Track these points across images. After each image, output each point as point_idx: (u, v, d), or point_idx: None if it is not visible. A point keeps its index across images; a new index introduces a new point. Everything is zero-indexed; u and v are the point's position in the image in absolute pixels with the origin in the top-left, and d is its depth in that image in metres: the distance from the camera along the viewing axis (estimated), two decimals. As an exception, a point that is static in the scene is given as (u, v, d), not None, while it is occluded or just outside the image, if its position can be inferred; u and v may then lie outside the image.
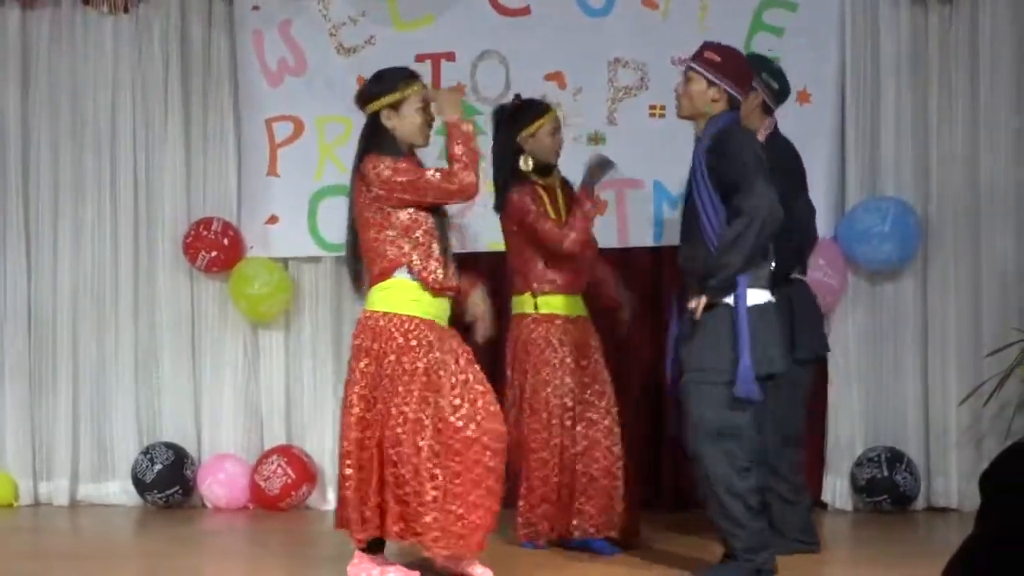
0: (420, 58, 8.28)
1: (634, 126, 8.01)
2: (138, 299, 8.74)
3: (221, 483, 8.49)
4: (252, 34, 8.53)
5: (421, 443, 5.79)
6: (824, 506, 8.05)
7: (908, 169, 8.06)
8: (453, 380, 5.86)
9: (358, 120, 7.76)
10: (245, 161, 8.61)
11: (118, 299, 8.73)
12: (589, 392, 6.81)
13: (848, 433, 8.06)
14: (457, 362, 5.91)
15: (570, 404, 6.76)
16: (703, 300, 5.84)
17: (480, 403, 5.87)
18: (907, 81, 8.06)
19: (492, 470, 5.86)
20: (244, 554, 7.30)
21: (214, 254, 8.47)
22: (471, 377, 5.90)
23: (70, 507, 8.71)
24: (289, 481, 8.29)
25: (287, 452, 8.41)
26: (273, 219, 8.50)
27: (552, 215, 6.83)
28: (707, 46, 6.11)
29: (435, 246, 6.01)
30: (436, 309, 5.99)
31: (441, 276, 5.98)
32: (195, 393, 8.73)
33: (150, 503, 8.54)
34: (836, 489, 8.07)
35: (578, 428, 6.76)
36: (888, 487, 7.83)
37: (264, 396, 8.65)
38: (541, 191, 6.87)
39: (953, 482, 7.97)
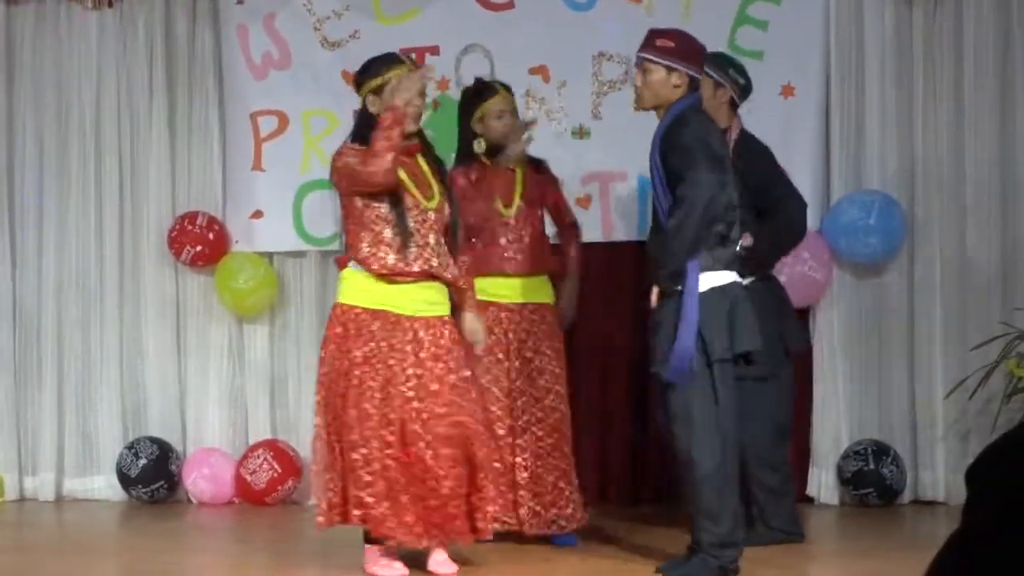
0: (404, 52, 8.26)
1: (619, 120, 8.00)
2: (123, 293, 8.72)
3: (206, 477, 8.48)
4: (237, 28, 8.51)
5: (368, 433, 5.84)
6: (810, 500, 8.06)
7: (893, 163, 8.07)
8: (408, 372, 5.88)
9: (343, 114, 7.78)
10: (230, 155, 8.59)
11: (103, 293, 8.71)
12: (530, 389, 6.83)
13: (834, 426, 8.07)
14: (417, 355, 5.91)
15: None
16: (655, 290, 5.87)
17: (428, 402, 5.87)
18: (892, 75, 8.07)
19: (429, 469, 5.87)
20: (230, 549, 7.30)
21: (199, 248, 8.46)
22: (426, 373, 5.89)
23: (55, 502, 8.69)
24: (275, 475, 8.28)
25: (273, 446, 8.40)
26: (258, 213, 8.49)
27: (499, 199, 6.79)
28: (656, 33, 6.08)
29: (387, 232, 5.99)
30: (393, 298, 5.97)
31: (391, 261, 5.95)
32: (180, 387, 8.71)
33: (135, 498, 8.53)
34: (822, 482, 8.07)
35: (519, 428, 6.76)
36: (875, 480, 7.84)
37: (249, 390, 8.65)
38: (490, 174, 6.81)
39: (940, 475, 7.98)
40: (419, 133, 6.23)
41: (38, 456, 8.77)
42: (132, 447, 8.50)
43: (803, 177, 7.90)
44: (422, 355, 5.92)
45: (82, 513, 8.41)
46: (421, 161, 6.17)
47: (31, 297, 8.78)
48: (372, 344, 5.93)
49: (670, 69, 5.97)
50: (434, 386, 5.90)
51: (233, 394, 8.66)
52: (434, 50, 8.24)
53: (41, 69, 8.78)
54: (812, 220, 7.87)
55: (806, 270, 7.82)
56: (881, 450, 7.87)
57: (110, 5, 8.71)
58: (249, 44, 8.49)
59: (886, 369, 8.10)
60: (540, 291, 6.93)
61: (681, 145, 5.89)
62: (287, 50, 8.43)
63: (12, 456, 8.78)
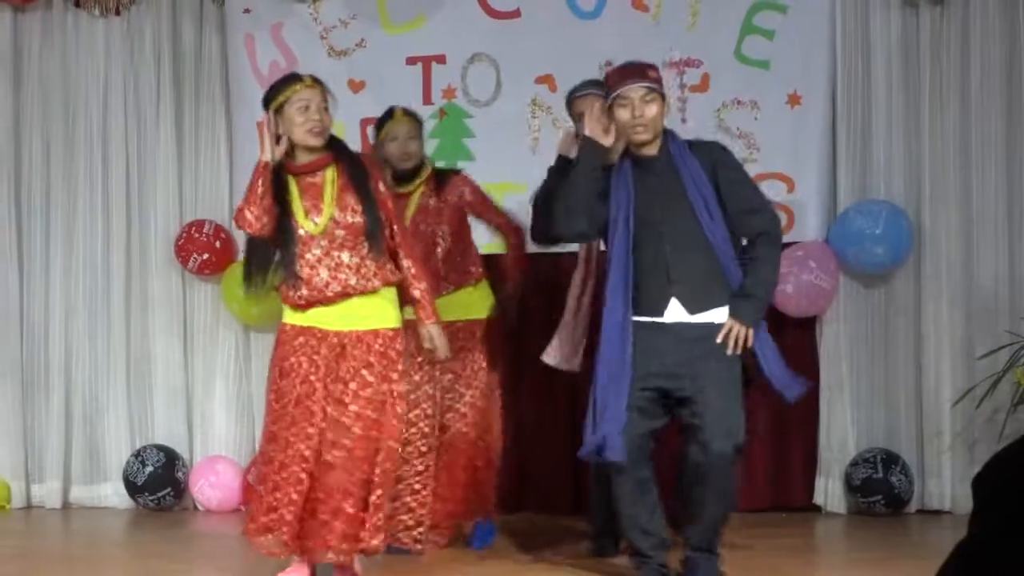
0: (411, 60, 8.29)
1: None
2: (130, 301, 8.73)
3: (213, 485, 8.48)
4: (243, 37, 8.53)
5: (277, 447, 5.90)
6: (816, 508, 8.06)
7: (900, 171, 8.07)
8: (328, 387, 5.87)
9: (350, 123, 7.79)
10: (237, 164, 8.60)
11: (110, 301, 8.73)
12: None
13: (840, 436, 8.06)
14: (337, 369, 5.89)
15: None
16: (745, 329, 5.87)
17: (341, 415, 5.86)
18: (898, 83, 8.07)
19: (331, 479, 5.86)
20: (237, 557, 7.28)
21: (206, 256, 8.47)
22: (342, 387, 5.86)
23: (62, 510, 8.70)
24: (281, 483, 8.28)
25: (279, 455, 8.40)
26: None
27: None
28: (645, 66, 6.04)
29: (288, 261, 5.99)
30: (322, 316, 5.93)
31: (305, 293, 5.92)
32: (187, 395, 8.73)
33: (141, 506, 8.53)
34: (829, 491, 8.06)
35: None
36: (883, 488, 7.84)
37: (256, 398, 8.64)
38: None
39: (946, 484, 7.98)
40: (333, 144, 6.08)
41: (45, 464, 8.78)
42: (139, 455, 8.51)
43: (810, 186, 7.91)
44: (342, 370, 5.90)
45: (89, 521, 8.42)
46: (329, 175, 6.01)
47: (38, 305, 8.80)
48: (292, 358, 5.92)
49: (663, 99, 5.99)
50: (348, 400, 5.88)
51: (240, 402, 8.67)
52: (440, 59, 8.25)
53: (48, 77, 8.80)
54: (819, 229, 7.89)
55: (813, 279, 7.81)
56: (890, 459, 7.87)
57: (117, 13, 8.73)
58: (256, 53, 8.50)
59: (893, 378, 8.10)
60: (461, 308, 6.96)
61: (740, 174, 5.99)
62: (294, 59, 8.43)
63: (19, 464, 8.79)
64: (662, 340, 5.86)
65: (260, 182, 5.88)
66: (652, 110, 5.90)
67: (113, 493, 8.70)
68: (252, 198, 5.88)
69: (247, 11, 8.52)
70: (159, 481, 8.45)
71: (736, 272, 5.88)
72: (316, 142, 5.95)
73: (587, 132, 6.03)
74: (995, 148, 8.00)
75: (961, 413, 7.90)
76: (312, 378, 5.88)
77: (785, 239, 7.34)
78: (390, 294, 6.02)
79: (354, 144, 8.25)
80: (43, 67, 8.82)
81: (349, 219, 5.93)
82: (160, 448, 8.54)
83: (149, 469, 8.45)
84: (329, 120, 6.01)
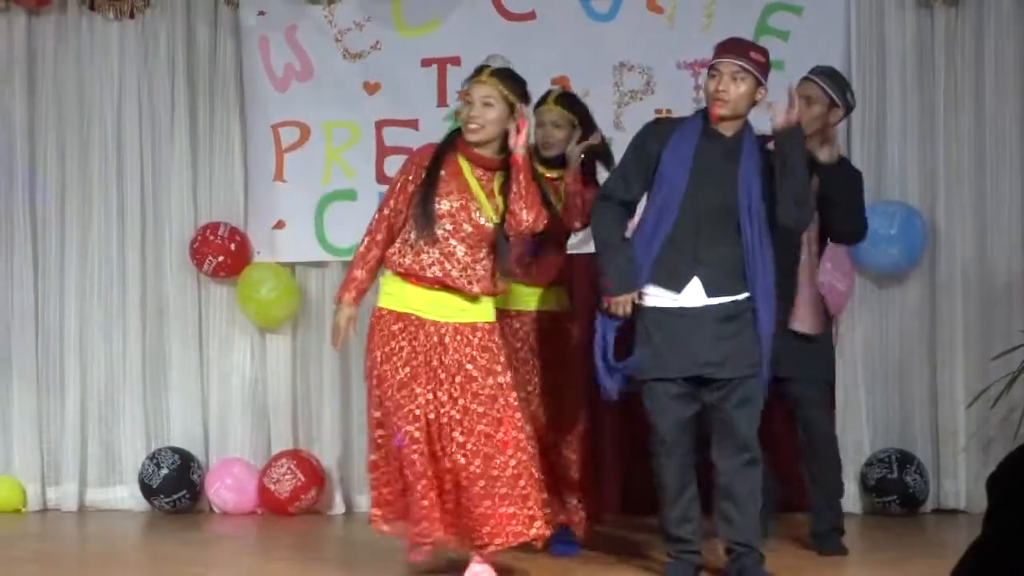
0: (426, 63, 8.30)
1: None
2: (145, 304, 8.74)
3: (229, 487, 8.49)
4: (258, 40, 8.53)
5: (387, 431, 5.96)
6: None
7: (915, 172, 8.07)
8: (429, 375, 5.89)
9: (365, 125, 7.80)
10: (252, 166, 8.61)
11: (125, 303, 8.74)
12: None
13: (856, 435, 8.06)
14: (441, 359, 5.90)
15: None
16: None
17: (449, 407, 5.89)
18: (913, 84, 8.07)
19: (458, 470, 5.90)
20: (253, 559, 7.30)
21: (221, 259, 8.48)
22: (448, 378, 5.89)
23: (78, 512, 8.71)
24: (299, 483, 8.29)
25: (296, 456, 8.41)
26: (280, 224, 8.50)
27: None
28: (750, 47, 6.05)
29: (412, 233, 5.99)
30: (419, 302, 5.96)
31: (407, 262, 5.95)
32: (203, 398, 8.73)
33: (157, 508, 8.54)
34: (844, 491, 8.05)
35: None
36: (898, 488, 7.84)
37: (272, 401, 8.65)
38: None
39: (962, 484, 7.98)
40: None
41: (61, 466, 8.78)
42: (153, 457, 8.51)
43: (824, 187, 7.90)
44: (446, 360, 5.92)
45: (105, 523, 8.42)
46: (497, 182, 6.03)
47: (54, 307, 8.80)
48: (392, 343, 5.93)
49: (760, 84, 5.97)
50: (456, 393, 5.89)
51: (256, 404, 8.67)
52: (455, 60, 8.25)
53: (63, 80, 8.81)
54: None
55: (828, 279, 7.80)
56: (905, 458, 7.87)
57: (131, 16, 8.73)
58: (270, 56, 8.51)
59: (908, 378, 8.10)
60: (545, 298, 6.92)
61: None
62: (308, 61, 8.44)
63: (35, 466, 8.79)
64: (687, 327, 5.90)
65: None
66: (739, 88, 5.90)
67: (129, 496, 8.70)
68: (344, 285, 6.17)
69: (261, 13, 8.53)
70: (174, 483, 8.45)
71: (761, 274, 5.88)
72: (472, 137, 6.00)
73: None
74: (1009, 149, 8.00)
75: (976, 413, 7.90)
76: (414, 362, 5.90)
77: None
78: (487, 299, 6.08)
79: (368, 146, 8.30)
80: (57, 70, 8.83)
81: (483, 220, 5.98)
82: (175, 450, 8.54)
83: (164, 471, 8.45)
84: (493, 115, 6.00)
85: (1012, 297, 7.97)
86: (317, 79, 8.45)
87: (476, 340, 5.96)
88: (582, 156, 6.72)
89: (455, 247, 5.97)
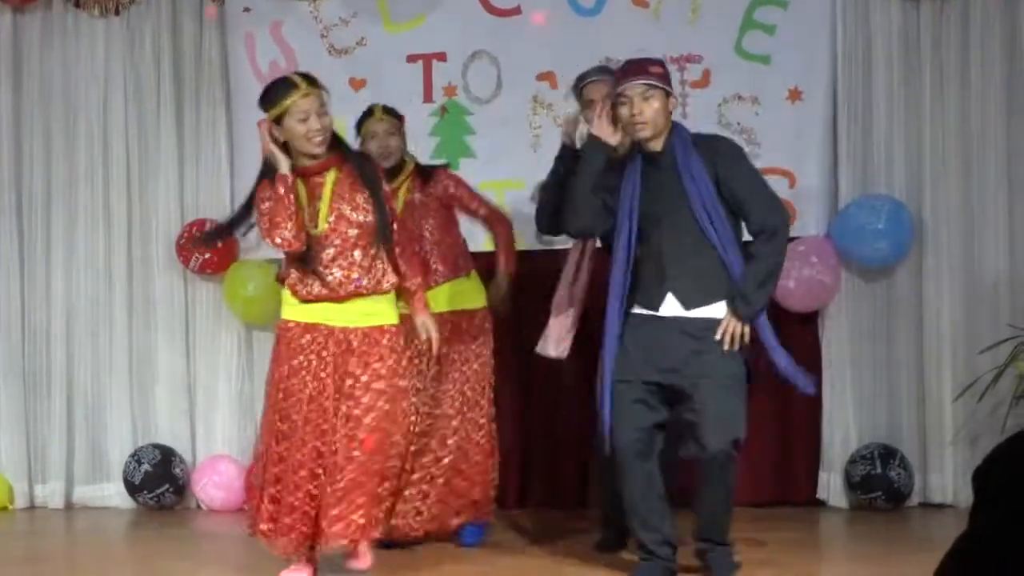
0: (411, 58, 8.29)
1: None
2: (132, 301, 8.73)
3: (216, 485, 8.49)
4: (244, 36, 8.52)
5: (292, 447, 5.95)
6: (820, 503, 8.06)
7: (901, 166, 8.07)
8: (337, 383, 5.90)
9: (351, 122, 7.75)
10: (238, 163, 8.59)
11: (112, 301, 8.73)
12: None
13: (843, 430, 8.06)
14: (346, 365, 5.90)
15: None
16: (741, 325, 5.88)
17: (353, 408, 5.89)
18: (899, 78, 8.07)
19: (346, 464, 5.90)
20: (241, 555, 7.29)
21: (207, 256, 8.47)
22: (355, 381, 5.89)
23: (65, 510, 8.70)
24: (285, 481, 8.28)
25: (282, 453, 8.40)
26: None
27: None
28: (647, 62, 6.03)
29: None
30: (326, 312, 5.96)
31: (316, 290, 5.96)
32: (190, 395, 8.73)
33: (142, 505, 8.53)
34: (830, 486, 8.07)
35: None
36: (883, 484, 7.84)
37: (259, 397, 8.62)
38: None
39: (948, 478, 7.98)
40: (338, 145, 6.08)
41: (48, 464, 8.78)
42: (135, 455, 8.52)
43: (811, 181, 7.92)
44: (350, 365, 5.92)
45: (92, 521, 8.42)
46: (331, 177, 6.00)
47: (40, 305, 8.79)
48: (300, 357, 5.93)
49: (668, 95, 5.99)
50: (359, 392, 5.90)
51: (242, 401, 8.67)
52: (441, 56, 8.25)
53: (48, 77, 8.80)
54: (820, 224, 7.89)
55: (814, 274, 7.82)
56: (888, 453, 7.87)
57: (117, 13, 8.72)
58: (256, 52, 8.50)
59: (895, 373, 8.10)
60: (450, 299, 6.99)
61: (740, 169, 5.96)
62: (294, 57, 8.43)
63: (22, 464, 8.79)
64: (662, 334, 5.89)
65: (288, 197, 5.87)
66: (652, 107, 5.90)
67: (116, 493, 8.69)
68: (285, 215, 5.86)
69: (247, 10, 8.52)
70: (156, 478, 8.45)
71: (741, 268, 5.89)
72: (319, 150, 5.94)
73: (593, 130, 6.06)
74: (996, 142, 8.00)
75: (963, 407, 7.90)
76: (323, 375, 5.90)
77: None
78: (391, 297, 6.08)
79: (354, 143, 8.29)
80: (43, 68, 8.82)
81: (361, 218, 5.96)
82: (156, 446, 8.54)
83: (145, 467, 8.45)
84: (329, 121, 5.99)
85: (999, 291, 7.98)
86: (302, 75, 8.44)
87: (384, 341, 5.96)
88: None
89: (351, 254, 5.96)
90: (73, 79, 8.79)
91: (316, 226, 5.94)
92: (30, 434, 8.81)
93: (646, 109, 5.90)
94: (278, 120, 5.92)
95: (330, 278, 5.93)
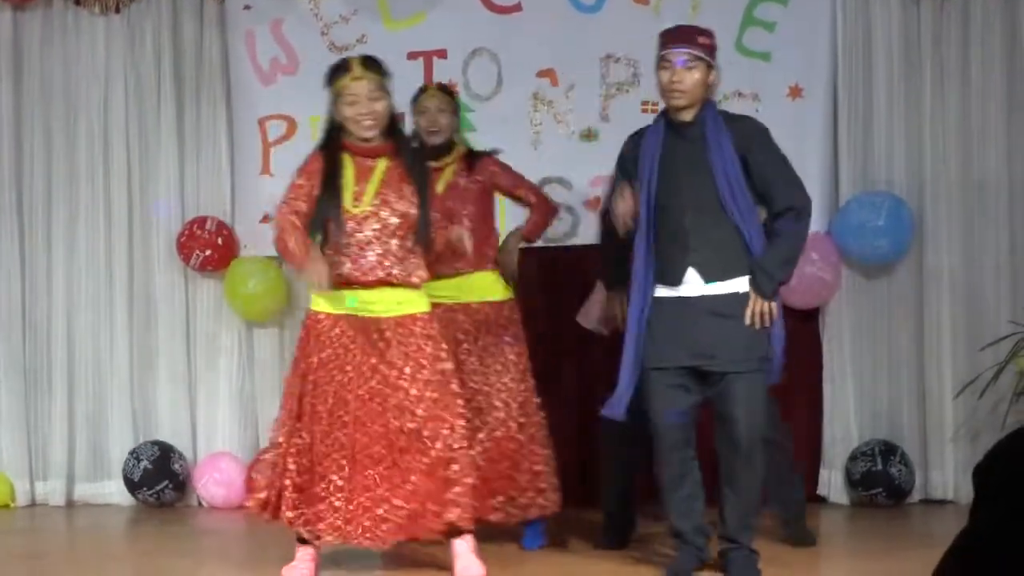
0: (412, 56, 8.28)
1: (627, 122, 7.97)
2: (133, 298, 8.73)
3: (217, 482, 8.49)
4: (244, 33, 8.52)
5: (317, 435, 5.96)
6: (821, 499, 8.06)
7: (901, 163, 8.07)
8: (369, 373, 5.90)
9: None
10: (238, 160, 8.60)
11: (112, 298, 8.73)
12: None
13: (843, 427, 8.07)
14: (383, 355, 5.91)
15: None
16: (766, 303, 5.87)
17: (396, 399, 5.89)
18: (899, 75, 8.07)
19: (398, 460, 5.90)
20: (241, 552, 7.30)
21: (208, 253, 8.47)
22: (393, 372, 5.90)
23: (66, 507, 8.71)
24: (287, 477, 8.28)
25: (283, 450, 8.40)
26: (267, 218, 8.48)
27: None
28: (696, 31, 6.02)
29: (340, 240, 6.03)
30: (357, 301, 5.97)
31: (346, 269, 5.98)
32: (190, 392, 8.73)
33: (142, 502, 8.53)
34: (831, 483, 8.08)
35: None
36: (884, 480, 7.84)
37: (259, 394, 8.65)
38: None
39: (949, 475, 7.99)
40: (394, 133, 6.14)
41: (49, 461, 8.78)
42: (134, 452, 8.52)
43: (812, 178, 7.88)
44: (390, 355, 5.92)
45: (93, 518, 8.42)
46: (381, 165, 6.06)
47: (41, 303, 8.79)
48: (329, 350, 5.94)
49: (710, 67, 5.97)
50: (406, 383, 5.89)
51: (243, 398, 8.67)
52: (441, 53, 8.25)
53: (49, 75, 8.80)
54: (821, 221, 7.88)
55: (815, 271, 7.81)
56: (889, 450, 7.87)
57: (117, 11, 8.72)
58: (256, 49, 8.50)
59: (895, 369, 8.10)
60: (479, 289, 6.93)
61: (772, 152, 5.96)
62: (294, 55, 8.43)
63: (23, 461, 8.80)
64: (688, 318, 5.88)
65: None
66: (692, 77, 5.88)
67: (117, 491, 8.69)
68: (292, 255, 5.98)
69: (247, 7, 8.52)
70: (155, 475, 8.45)
71: (761, 244, 5.89)
72: (368, 134, 6.02)
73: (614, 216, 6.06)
74: (996, 139, 8.00)
75: (964, 404, 7.90)
76: (348, 368, 5.91)
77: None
78: (421, 290, 6.10)
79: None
80: (44, 65, 8.82)
81: (405, 208, 5.99)
82: (155, 443, 8.54)
83: (145, 464, 8.45)
84: (383, 107, 6.04)
85: (999, 287, 7.98)
86: (303, 72, 8.43)
87: (418, 329, 5.98)
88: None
89: (389, 242, 5.99)
90: (73, 77, 8.79)
91: (358, 205, 5.97)
92: (31, 432, 8.82)
93: (686, 78, 5.88)
94: (334, 100, 6.04)
95: (362, 261, 5.96)
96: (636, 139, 6.14)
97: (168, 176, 8.69)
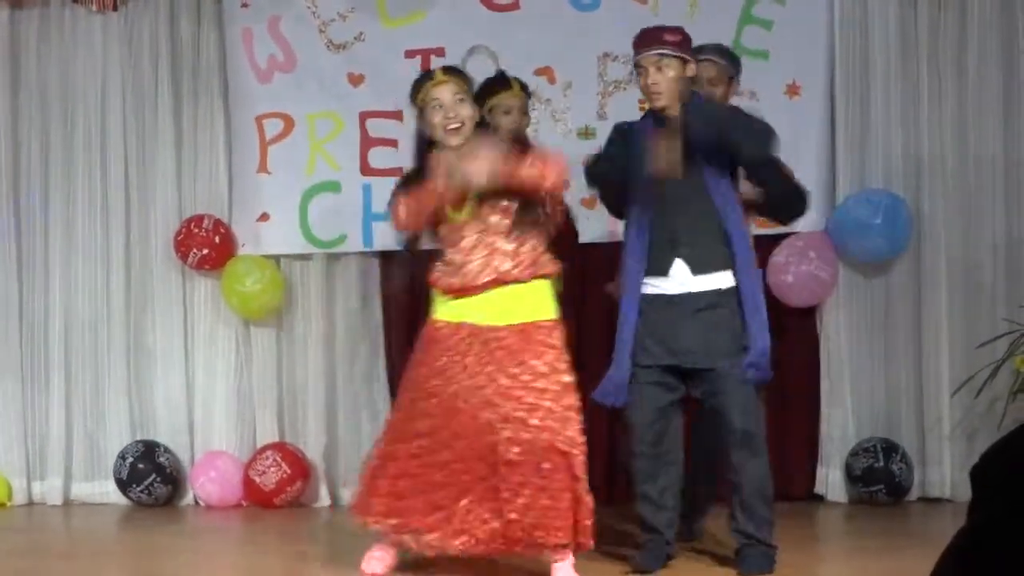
0: (410, 54, 8.28)
1: (624, 120, 8.00)
2: (130, 297, 8.73)
3: (214, 480, 8.48)
4: (241, 31, 8.52)
5: (422, 436, 5.91)
6: (818, 498, 8.07)
7: (899, 161, 8.07)
8: (475, 382, 5.83)
9: (348, 116, 7.78)
10: (235, 158, 8.60)
11: (110, 296, 8.72)
12: None
13: (841, 425, 8.07)
14: (485, 366, 5.82)
15: None
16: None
17: (509, 408, 5.80)
18: (897, 73, 8.07)
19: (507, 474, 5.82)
20: (238, 551, 7.30)
21: (205, 251, 8.47)
22: (490, 383, 5.81)
23: (63, 506, 8.70)
24: (284, 475, 8.28)
25: (281, 448, 8.40)
26: (264, 216, 8.50)
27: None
28: (661, 31, 6.03)
29: (448, 252, 6.00)
30: (468, 310, 5.91)
31: (457, 283, 5.93)
32: (188, 391, 8.72)
33: (135, 500, 8.53)
34: (829, 481, 8.08)
35: None
36: (885, 477, 7.84)
37: (257, 393, 8.64)
38: None
39: (947, 473, 7.99)
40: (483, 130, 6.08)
41: (46, 460, 8.78)
42: (121, 453, 8.52)
43: (809, 176, 7.89)
44: (506, 363, 5.82)
45: (90, 517, 8.41)
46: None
47: (39, 301, 8.80)
48: (445, 358, 5.88)
49: (684, 61, 5.97)
50: (520, 392, 5.77)
51: (240, 397, 8.66)
52: (439, 51, 8.24)
53: (46, 73, 8.79)
54: (818, 219, 7.88)
55: (812, 269, 7.81)
56: (890, 447, 7.88)
57: (114, 8, 8.71)
58: (254, 47, 8.49)
59: (893, 367, 8.10)
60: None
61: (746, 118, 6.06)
62: (292, 53, 8.43)
63: (20, 460, 8.80)
64: (674, 317, 5.91)
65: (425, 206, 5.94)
66: (667, 75, 5.91)
67: (114, 490, 8.68)
68: (416, 213, 5.96)
69: (245, 5, 8.52)
70: (141, 470, 8.44)
71: (743, 239, 5.90)
72: (456, 140, 5.95)
73: (650, 169, 5.98)
74: (992, 137, 8.00)
75: (961, 401, 7.91)
76: (461, 376, 5.85)
77: (784, 229, 7.37)
78: (544, 286, 5.98)
79: (352, 138, 8.29)
80: (41, 64, 8.81)
81: (504, 202, 5.92)
82: (139, 441, 8.56)
83: (130, 460, 8.45)
84: (468, 111, 5.99)
85: (996, 286, 7.99)
86: (301, 71, 8.44)
87: (538, 337, 5.86)
88: None
89: (493, 243, 5.94)
90: (70, 75, 8.78)
91: (459, 212, 5.94)
92: (28, 431, 8.82)
93: (660, 79, 5.91)
94: (420, 112, 6.03)
95: (470, 266, 5.91)
96: (623, 130, 6.19)
97: (165, 174, 8.69)
